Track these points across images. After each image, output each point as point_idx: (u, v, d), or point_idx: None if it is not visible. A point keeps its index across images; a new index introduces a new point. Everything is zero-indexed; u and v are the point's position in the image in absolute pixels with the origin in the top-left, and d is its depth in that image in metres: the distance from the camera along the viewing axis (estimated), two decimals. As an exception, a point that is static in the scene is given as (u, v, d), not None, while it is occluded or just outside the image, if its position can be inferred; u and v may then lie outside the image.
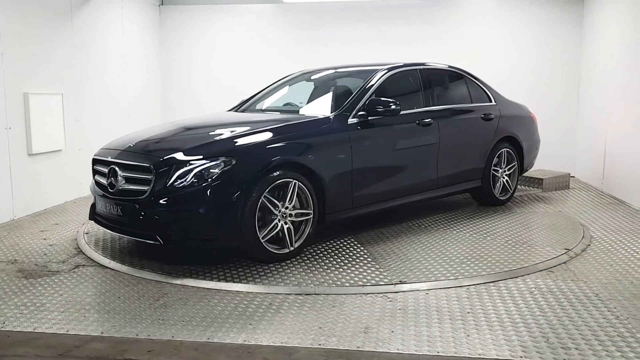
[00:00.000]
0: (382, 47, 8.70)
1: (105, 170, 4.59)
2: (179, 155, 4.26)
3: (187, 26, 9.23)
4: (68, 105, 6.88)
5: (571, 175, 8.49)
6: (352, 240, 5.11)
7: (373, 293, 3.84)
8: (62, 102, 6.75)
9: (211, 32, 9.19)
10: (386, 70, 5.55)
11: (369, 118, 5.08)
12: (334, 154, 4.76)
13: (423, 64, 5.97)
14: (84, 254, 4.84)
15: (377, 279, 4.08)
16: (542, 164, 8.43)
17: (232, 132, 4.66)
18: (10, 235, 5.43)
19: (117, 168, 4.46)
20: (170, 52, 9.32)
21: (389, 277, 4.10)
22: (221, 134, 4.61)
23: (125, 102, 8.22)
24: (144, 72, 8.82)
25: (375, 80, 5.37)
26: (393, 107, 5.03)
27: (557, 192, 7.49)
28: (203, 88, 9.20)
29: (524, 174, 7.60)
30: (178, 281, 4.09)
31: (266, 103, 6.02)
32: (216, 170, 4.16)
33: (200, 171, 4.15)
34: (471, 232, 5.34)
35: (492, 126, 6.26)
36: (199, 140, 4.49)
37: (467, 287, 3.95)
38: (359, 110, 5.06)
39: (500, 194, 6.48)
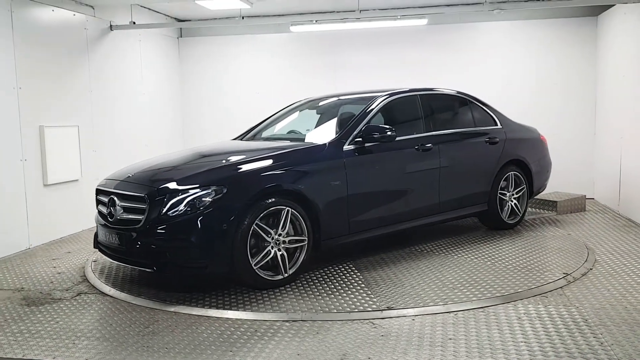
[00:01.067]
0: (396, 72, 8.75)
1: (106, 200, 4.74)
2: (172, 185, 4.38)
3: (205, 57, 9.48)
4: (84, 137, 7.13)
5: (590, 197, 8.35)
6: (350, 265, 5.13)
7: (359, 319, 3.84)
8: (78, 133, 6.99)
9: (228, 62, 9.41)
10: (385, 97, 5.61)
11: (366, 144, 5.12)
12: (328, 181, 4.81)
13: (424, 90, 6.00)
14: (89, 281, 4.98)
15: (365, 305, 4.09)
16: (560, 186, 8.31)
17: (226, 160, 4.77)
18: (23, 263, 5.62)
19: (115, 198, 4.61)
20: (189, 82, 9.57)
21: (377, 303, 4.11)
22: (215, 163, 4.72)
23: (142, 131, 8.46)
24: (162, 103, 9.07)
25: (373, 107, 5.43)
26: (389, 133, 5.07)
27: (572, 215, 7.35)
28: (221, 117, 9.40)
29: (536, 197, 7.53)
30: (171, 308, 4.18)
31: (270, 131, 6.13)
32: (207, 199, 4.26)
33: (191, 200, 4.25)
34: (472, 257, 5.30)
35: (498, 150, 6.22)
36: (192, 170, 4.61)
37: (455, 312, 3.92)
38: (355, 137, 5.11)
39: (508, 217, 6.40)
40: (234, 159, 4.82)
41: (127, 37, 8.12)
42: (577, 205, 7.53)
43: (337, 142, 5.04)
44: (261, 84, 9.32)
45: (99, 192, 4.96)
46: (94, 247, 5.06)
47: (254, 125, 6.42)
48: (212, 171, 4.53)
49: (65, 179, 6.78)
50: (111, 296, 4.55)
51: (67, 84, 6.86)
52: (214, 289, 4.55)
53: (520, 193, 6.51)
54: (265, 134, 6.10)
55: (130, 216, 4.48)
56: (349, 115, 5.54)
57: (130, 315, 4.10)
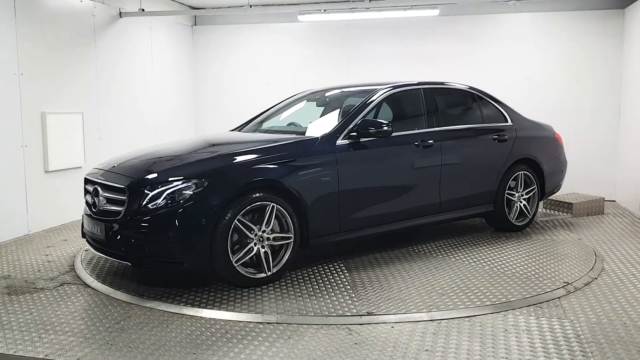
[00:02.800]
0: (410, 64, 8.50)
1: (91, 189, 4.65)
2: (152, 177, 4.26)
3: (219, 46, 9.36)
4: (89, 124, 7.08)
5: (611, 199, 7.97)
6: (341, 265, 4.94)
7: (336, 324, 3.66)
8: (82, 120, 6.95)
9: (242, 51, 9.27)
10: (385, 91, 5.38)
11: (361, 140, 4.91)
12: (319, 176, 4.62)
13: (429, 83, 5.75)
14: (75, 271, 4.92)
15: (345, 309, 3.90)
16: (579, 187, 7.95)
17: (213, 153, 4.62)
18: (17, 250, 5.59)
19: (99, 188, 4.51)
20: (202, 70, 9.46)
21: (358, 308, 3.92)
22: (201, 155, 4.58)
23: (152, 119, 8.39)
24: (173, 91, 8.99)
25: (371, 101, 5.21)
26: (385, 128, 4.85)
27: (588, 217, 7.01)
28: (234, 106, 9.26)
29: (552, 198, 7.21)
30: (147, 304, 4.06)
31: (270, 123, 5.96)
32: (188, 192, 4.12)
33: (171, 193, 4.13)
34: (470, 260, 5.06)
35: (506, 148, 5.94)
36: (176, 162, 4.47)
37: (439, 321, 3.71)
38: (350, 132, 4.91)
39: (517, 219, 6.11)
40: (221, 151, 4.67)
41: (137, 25, 8.03)
42: (595, 208, 7.17)
43: (330, 137, 4.84)
44: (273, 74, 9.15)
45: (86, 181, 4.88)
46: (82, 237, 4.99)
47: (254, 116, 6.26)
48: (194, 164, 4.38)
49: (68, 165, 6.74)
50: (93, 288, 4.47)
51: (71, 70, 6.80)
52: (195, 284, 4.42)
53: (531, 194, 6.21)
54: (265, 126, 5.93)
55: (112, 207, 4.38)
56: (347, 109, 5.34)
57: (105, 309, 4.01)
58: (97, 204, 4.50)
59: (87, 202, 4.79)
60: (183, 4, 9.00)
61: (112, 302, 4.15)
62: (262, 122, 5.98)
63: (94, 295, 4.31)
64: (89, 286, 4.51)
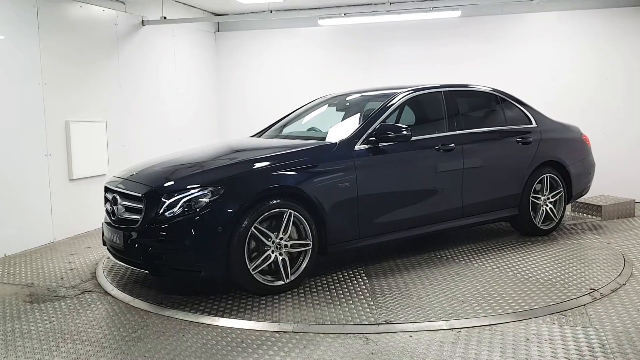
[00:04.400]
0: (434, 66, 8.38)
1: (110, 198, 4.68)
2: (169, 185, 4.26)
3: (241, 52, 9.38)
4: (113, 132, 7.15)
5: (641, 201, 7.74)
6: (361, 271, 4.88)
7: (353, 333, 3.61)
8: (105, 128, 7.02)
9: (264, 56, 9.27)
10: (405, 94, 5.31)
11: (380, 144, 4.85)
12: (337, 182, 4.57)
13: (451, 86, 5.65)
14: (96, 279, 4.95)
15: (363, 317, 3.84)
16: (609, 189, 7.73)
17: (230, 160, 4.61)
18: (42, 257, 5.67)
19: (117, 196, 4.53)
20: (226, 77, 9.50)
21: (376, 316, 3.85)
22: (218, 162, 4.57)
23: (175, 126, 8.43)
24: (196, 97, 9.04)
25: (390, 105, 5.15)
26: (404, 132, 4.78)
27: (618, 220, 6.81)
28: (257, 111, 9.25)
29: (580, 200, 7.02)
30: (165, 312, 4.06)
31: (290, 128, 5.93)
32: (204, 200, 4.11)
33: (188, 201, 4.12)
34: (493, 266, 4.94)
35: (531, 150, 5.80)
36: (193, 169, 4.46)
37: (459, 330, 3.62)
38: (369, 136, 4.85)
39: (543, 223, 5.96)
40: (238, 158, 4.66)
41: (160, 32, 8.09)
42: (625, 211, 6.96)
43: (348, 142, 4.79)
44: (296, 79, 9.13)
45: (106, 189, 4.91)
46: (103, 245, 5.02)
47: (274, 121, 6.24)
48: (210, 171, 4.37)
49: (92, 173, 6.81)
50: (113, 296, 4.49)
51: (95, 79, 6.88)
52: (213, 292, 4.41)
53: (557, 197, 6.05)
54: (285, 131, 5.90)
55: (130, 216, 4.40)
56: (367, 113, 5.27)
57: (124, 317, 4.02)
58: (116, 212, 4.53)
59: (106, 211, 4.82)
60: (205, 10, 9.05)
61: (130, 310, 4.16)
62: (282, 127, 5.96)
63: (114, 303, 4.33)
64: (109, 294, 4.53)
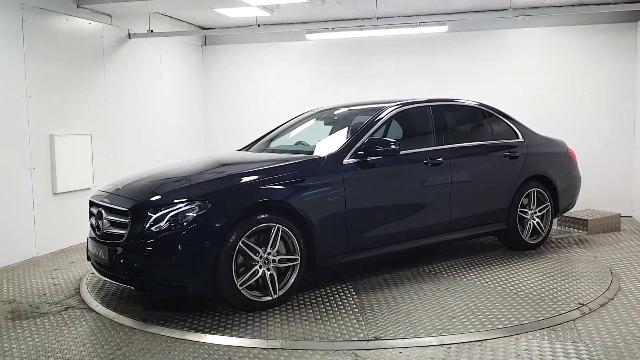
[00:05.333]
0: (421, 80, 8.42)
1: (95, 212, 4.61)
2: (156, 199, 4.21)
3: (228, 65, 9.36)
4: (98, 145, 7.07)
5: (627, 215, 7.79)
6: (349, 286, 4.84)
7: (342, 349, 3.56)
8: (91, 142, 6.95)
9: (251, 69, 9.26)
10: (393, 109, 5.31)
11: (368, 158, 4.83)
12: (325, 196, 4.55)
13: (438, 100, 5.67)
14: (80, 295, 4.86)
15: (352, 333, 3.80)
16: (595, 203, 7.78)
17: (217, 174, 4.57)
18: (24, 273, 5.56)
19: (102, 211, 4.47)
20: (213, 90, 9.47)
21: (366, 332, 3.81)
22: (205, 177, 4.52)
23: (161, 140, 8.37)
24: (183, 111, 8.98)
25: (378, 119, 5.15)
26: (393, 147, 4.78)
27: (604, 234, 6.84)
28: (244, 125, 9.21)
29: (566, 215, 7.05)
30: (151, 329, 3.99)
31: (278, 142, 5.90)
32: (192, 214, 4.06)
33: (174, 215, 4.07)
34: (482, 280, 4.93)
35: (518, 164, 5.82)
36: (179, 184, 4.41)
37: (449, 345, 3.59)
38: (357, 150, 4.84)
39: (530, 237, 5.97)
40: (225, 172, 4.62)
41: (146, 46, 8.06)
42: (611, 225, 7.00)
43: (337, 156, 4.77)
44: (283, 92, 9.12)
45: (91, 204, 4.84)
46: (87, 260, 4.94)
47: (261, 135, 6.21)
48: (197, 185, 4.33)
49: (76, 187, 6.72)
50: (97, 312, 4.40)
51: (80, 92, 6.82)
52: (200, 308, 4.34)
53: (544, 211, 6.07)
54: (273, 145, 5.87)
55: (116, 230, 4.33)
56: (355, 127, 5.26)
57: (108, 334, 3.93)
58: (101, 227, 4.46)
59: (91, 225, 4.74)
60: (192, 24, 9.03)
61: (115, 327, 4.08)
62: (270, 141, 5.93)
63: (98, 320, 4.24)
64: (93, 310, 4.44)
